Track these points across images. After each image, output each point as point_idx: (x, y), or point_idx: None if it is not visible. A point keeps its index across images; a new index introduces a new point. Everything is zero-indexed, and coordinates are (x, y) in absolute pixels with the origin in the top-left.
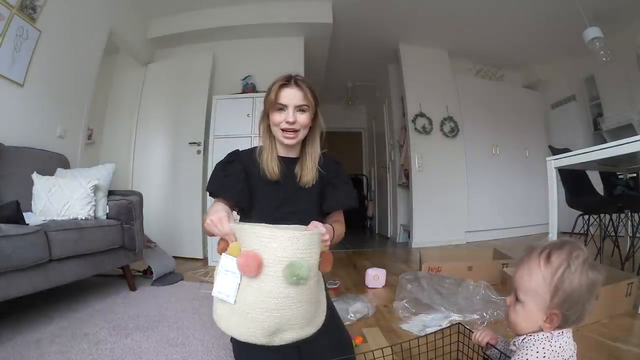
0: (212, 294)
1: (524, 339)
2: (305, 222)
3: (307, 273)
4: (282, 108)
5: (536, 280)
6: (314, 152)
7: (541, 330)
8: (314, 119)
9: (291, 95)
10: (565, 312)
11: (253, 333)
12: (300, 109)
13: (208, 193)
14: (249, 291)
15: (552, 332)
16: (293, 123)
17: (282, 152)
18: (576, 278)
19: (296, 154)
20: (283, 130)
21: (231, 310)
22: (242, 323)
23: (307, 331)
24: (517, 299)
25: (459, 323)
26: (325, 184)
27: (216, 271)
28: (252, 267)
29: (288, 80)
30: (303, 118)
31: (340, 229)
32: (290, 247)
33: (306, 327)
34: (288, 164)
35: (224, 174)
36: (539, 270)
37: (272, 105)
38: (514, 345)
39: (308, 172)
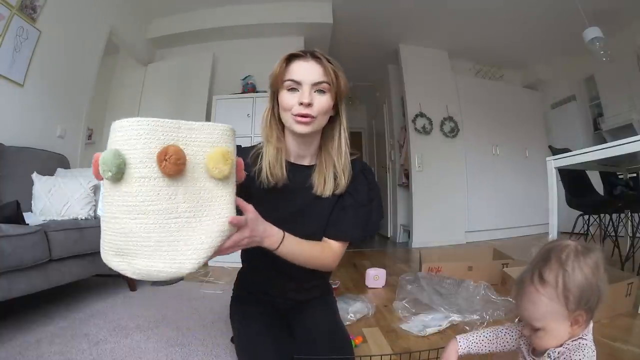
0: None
1: (565, 346)
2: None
3: (112, 162)
4: (295, 87)
5: (544, 305)
6: (338, 154)
7: (572, 336)
8: (335, 107)
9: (306, 70)
10: (584, 306)
11: (103, 248)
12: (319, 88)
13: None
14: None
15: (584, 336)
16: (309, 105)
17: (293, 158)
18: (578, 275)
19: (310, 160)
20: (295, 115)
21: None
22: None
23: (157, 265)
24: (534, 329)
25: None
26: (339, 198)
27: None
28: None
29: (303, 53)
30: (323, 101)
31: (316, 252)
32: (111, 139)
33: (154, 259)
34: (299, 171)
35: None
36: (540, 295)
37: (280, 82)
38: (548, 356)
39: (325, 182)
